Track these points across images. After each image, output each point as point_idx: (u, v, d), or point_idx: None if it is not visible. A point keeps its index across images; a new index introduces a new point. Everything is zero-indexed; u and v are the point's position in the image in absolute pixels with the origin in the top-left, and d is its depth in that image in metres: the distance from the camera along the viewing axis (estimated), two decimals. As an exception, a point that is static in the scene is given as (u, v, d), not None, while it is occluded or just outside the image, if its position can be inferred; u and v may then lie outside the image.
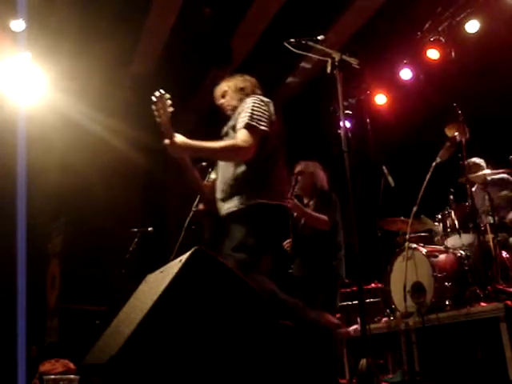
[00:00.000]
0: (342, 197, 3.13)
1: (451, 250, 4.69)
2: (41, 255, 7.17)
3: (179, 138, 2.73)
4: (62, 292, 6.92)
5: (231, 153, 2.80)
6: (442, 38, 5.77)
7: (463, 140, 4.59)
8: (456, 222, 4.76)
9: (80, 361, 2.33)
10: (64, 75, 5.56)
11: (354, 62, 3.21)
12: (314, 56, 3.51)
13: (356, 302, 5.47)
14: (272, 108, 2.95)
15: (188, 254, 2.05)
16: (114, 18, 5.76)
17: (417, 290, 4.48)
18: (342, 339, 5.05)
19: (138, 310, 2.05)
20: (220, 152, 2.82)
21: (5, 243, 5.25)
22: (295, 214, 4.24)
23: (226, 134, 2.94)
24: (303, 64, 6.93)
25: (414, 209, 4.58)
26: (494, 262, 4.29)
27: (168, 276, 2.03)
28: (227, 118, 3.09)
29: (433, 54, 5.94)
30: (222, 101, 3.17)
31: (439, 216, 4.97)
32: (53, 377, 4.29)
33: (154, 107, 2.67)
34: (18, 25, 5.13)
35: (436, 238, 5.07)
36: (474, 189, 4.90)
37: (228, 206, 2.82)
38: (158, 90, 2.68)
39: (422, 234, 5.23)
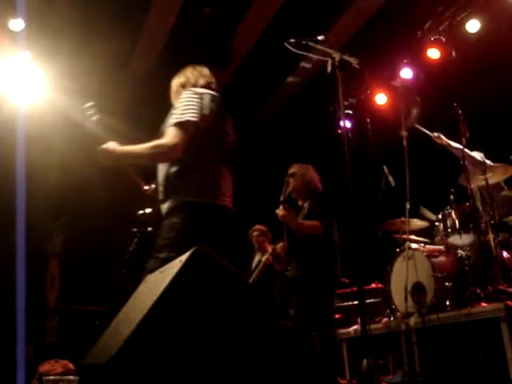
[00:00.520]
0: (342, 197, 3.12)
1: (452, 250, 4.69)
2: (40, 255, 7.16)
3: (110, 146, 2.71)
4: (62, 292, 6.92)
5: (158, 152, 2.65)
6: (442, 38, 5.76)
7: (463, 140, 4.60)
8: (456, 222, 4.76)
9: (80, 361, 2.32)
10: (63, 75, 5.55)
11: (354, 61, 3.21)
12: (314, 56, 3.51)
13: (356, 302, 5.47)
14: (207, 100, 2.76)
15: (188, 253, 2.04)
16: (114, 18, 5.76)
17: (417, 290, 4.47)
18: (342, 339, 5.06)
19: (137, 310, 2.05)
20: (148, 153, 2.66)
21: (4, 243, 5.25)
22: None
23: (162, 133, 2.77)
24: (303, 64, 6.93)
25: (407, 206, 4.58)
26: (495, 262, 4.29)
27: (168, 276, 2.02)
28: None
29: (433, 53, 5.94)
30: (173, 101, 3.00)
31: (439, 216, 4.97)
32: (52, 377, 4.28)
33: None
34: (17, 24, 5.12)
35: (436, 238, 5.07)
36: (473, 187, 4.89)
37: (165, 207, 2.74)
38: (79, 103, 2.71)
39: (422, 239, 5.22)
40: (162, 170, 2.80)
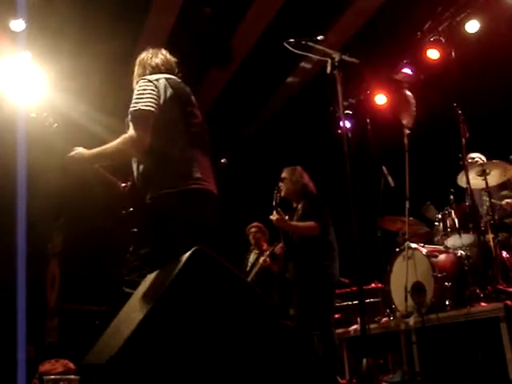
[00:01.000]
0: (342, 197, 3.12)
1: (451, 250, 4.70)
2: (41, 255, 7.17)
3: (78, 151, 2.69)
4: (62, 292, 6.92)
5: (126, 147, 2.58)
6: (442, 38, 5.77)
7: (464, 140, 4.60)
8: (456, 222, 4.77)
9: (80, 361, 2.33)
10: (64, 75, 5.55)
11: (353, 61, 3.21)
12: (313, 56, 3.51)
13: (356, 302, 5.47)
14: (163, 84, 2.66)
15: (188, 253, 2.04)
16: (114, 18, 5.76)
17: (417, 289, 4.48)
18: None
19: (137, 309, 2.05)
20: (116, 151, 2.60)
21: (5, 243, 5.25)
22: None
23: (127, 128, 2.68)
24: (303, 64, 6.93)
25: (407, 205, 4.59)
26: (494, 262, 4.30)
27: (168, 276, 2.03)
28: None
29: (433, 54, 5.94)
30: None
31: (439, 216, 4.97)
32: (53, 377, 4.28)
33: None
34: (17, 25, 5.13)
35: (436, 238, 5.08)
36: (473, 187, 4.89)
37: (144, 202, 2.66)
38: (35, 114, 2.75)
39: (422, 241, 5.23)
40: (134, 166, 2.74)
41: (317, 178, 4.69)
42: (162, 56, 2.88)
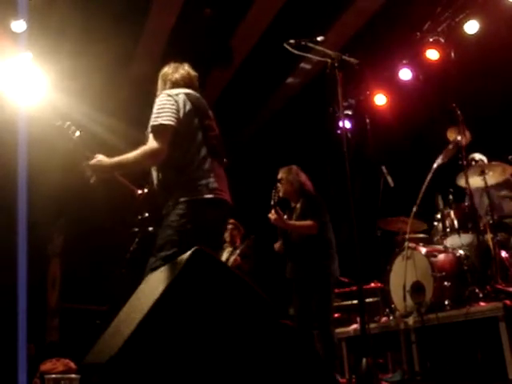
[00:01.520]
0: (342, 197, 3.13)
1: (450, 250, 4.70)
2: (41, 255, 7.19)
3: (98, 160, 2.78)
4: (63, 292, 6.94)
5: (144, 158, 2.73)
6: (441, 39, 5.77)
7: (463, 141, 4.60)
8: (455, 222, 4.78)
9: (80, 360, 2.34)
10: (65, 75, 5.56)
11: (353, 62, 3.22)
12: (313, 57, 3.52)
13: (356, 301, 5.48)
14: (182, 99, 2.81)
15: (188, 253, 2.06)
16: (115, 19, 5.77)
17: (416, 289, 4.49)
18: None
19: (138, 310, 2.06)
20: (135, 161, 2.74)
21: (6, 243, 5.27)
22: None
23: (146, 140, 2.85)
24: (303, 65, 6.94)
25: (414, 209, 4.61)
26: (494, 262, 4.30)
27: (168, 276, 2.04)
28: None
29: (432, 54, 5.94)
30: None
31: (438, 216, 4.98)
32: (54, 376, 4.31)
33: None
34: (18, 25, 5.14)
35: (435, 238, 5.08)
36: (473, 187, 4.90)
37: (163, 209, 2.82)
38: (59, 123, 2.80)
39: (421, 236, 5.24)
40: (154, 174, 2.89)
41: (316, 178, 4.70)
42: (182, 71, 3.03)
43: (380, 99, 6.77)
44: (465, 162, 4.61)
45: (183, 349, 1.91)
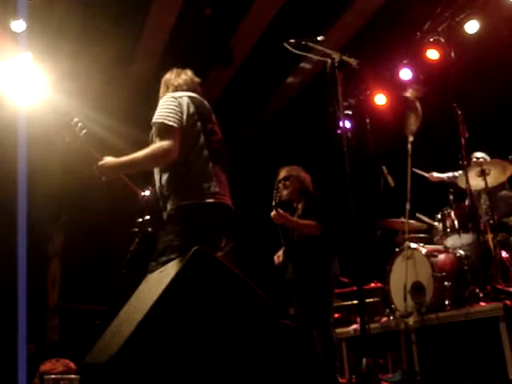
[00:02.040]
0: (342, 197, 3.13)
1: (451, 250, 4.71)
2: (41, 255, 7.18)
3: (106, 161, 2.76)
4: (63, 292, 6.94)
5: (156, 157, 2.70)
6: (441, 39, 5.76)
7: (463, 140, 4.60)
8: (456, 222, 4.78)
9: (80, 360, 2.34)
10: (64, 75, 5.56)
11: (353, 62, 3.22)
12: (313, 57, 3.52)
13: (356, 301, 5.48)
14: (186, 102, 2.80)
15: (188, 253, 2.05)
16: (115, 19, 5.77)
17: (416, 289, 4.49)
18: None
19: (138, 309, 2.06)
20: (145, 160, 2.72)
21: (5, 243, 5.26)
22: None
23: (151, 141, 2.85)
24: (303, 64, 6.94)
25: (408, 206, 4.60)
26: (494, 262, 4.30)
27: (168, 276, 2.04)
28: None
29: (432, 54, 5.94)
30: None
31: (439, 216, 4.98)
32: (53, 376, 4.30)
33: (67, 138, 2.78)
34: (18, 25, 5.13)
35: (435, 238, 5.09)
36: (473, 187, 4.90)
37: (164, 213, 2.81)
38: (67, 119, 2.77)
39: (422, 236, 5.23)
40: (156, 177, 2.87)
41: (316, 178, 4.70)
42: (185, 76, 3.02)
43: (380, 99, 6.77)
44: (465, 162, 4.61)
45: (183, 349, 1.90)
